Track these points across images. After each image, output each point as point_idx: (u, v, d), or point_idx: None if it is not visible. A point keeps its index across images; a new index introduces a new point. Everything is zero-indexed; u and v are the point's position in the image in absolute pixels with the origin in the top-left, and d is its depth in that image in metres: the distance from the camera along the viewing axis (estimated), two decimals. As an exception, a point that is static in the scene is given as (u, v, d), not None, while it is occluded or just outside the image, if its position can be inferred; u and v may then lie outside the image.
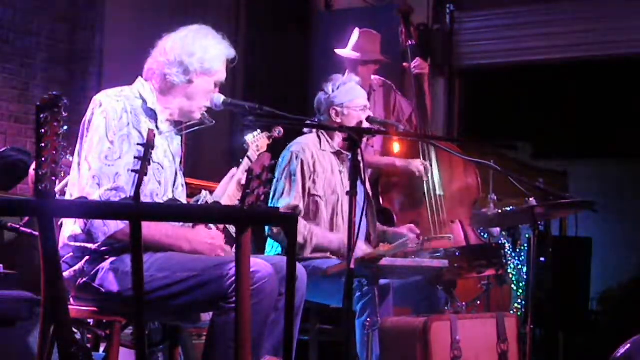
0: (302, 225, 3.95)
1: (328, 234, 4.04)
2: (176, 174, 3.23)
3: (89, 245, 2.97)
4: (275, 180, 4.02)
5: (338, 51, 5.23)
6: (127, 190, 2.93)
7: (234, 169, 3.54)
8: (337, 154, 4.19)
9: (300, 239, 3.91)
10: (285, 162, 4.06)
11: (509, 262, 5.73)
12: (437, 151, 5.02)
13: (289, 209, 3.95)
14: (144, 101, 3.11)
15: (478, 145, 5.96)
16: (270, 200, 4.02)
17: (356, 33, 5.20)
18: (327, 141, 4.18)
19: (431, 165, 4.98)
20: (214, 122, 3.26)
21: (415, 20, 5.70)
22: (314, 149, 4.11)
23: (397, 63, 5.46)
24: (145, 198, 3.00)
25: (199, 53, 3.13)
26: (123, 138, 2.99)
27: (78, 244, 2.98)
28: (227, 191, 3.33)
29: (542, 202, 3.95)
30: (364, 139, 3.55)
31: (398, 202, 5.02)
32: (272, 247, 4.12)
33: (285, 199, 3.99)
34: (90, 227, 2.92)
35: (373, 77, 5.16)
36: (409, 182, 4.97)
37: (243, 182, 3.27)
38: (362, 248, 3.88)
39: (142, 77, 3.19)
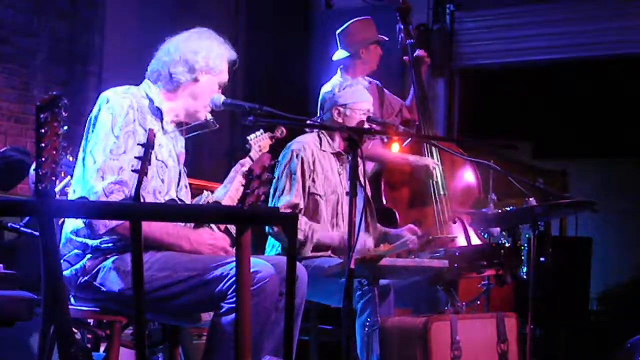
0: (303, 222, 3.95)
1: (329, 231, 4.05)
2: (180, 174, 3.24)
3: (90, 242, 2.97)
4: (275, 179, 4.02)
5: (336, 58, 5.07)
6: (130, 185, 2.92)
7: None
8: (337, 155, 4.20)
9: (300, 236, 3.91)
10: (286, 160, 4.07)
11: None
12: (440, 150, 5.00)
13: (289, 207, 3.96)
14: (151, 100, 3.12)
15: (478, 145, 5.95)
16: (270, 199, 4.02)
17: (345, 32, 5.04)
18: (328, 142, 4.19)
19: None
20: (218, 126, 3.27)
21: (415, 20, 5.68)
22: (314, 148, 4.12)
23: (397, 63, 5.45)
24: (147, 195, 3.01)
25: (204, 51, 3.16)
26: (128, 134, 2.99)
27: (80, 240, 2.99)
28: (229, 193, 3.31)
29: (542, 202, 3.94)
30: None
31: (402, 201, 4.99)
32: (273, 247, 4.12)
33: (286, 197, 4.00)
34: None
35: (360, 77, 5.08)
36: (415, 181, 4.95)
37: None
38: (366, 243, 3.92)
39: (147, 79, 3.20)
